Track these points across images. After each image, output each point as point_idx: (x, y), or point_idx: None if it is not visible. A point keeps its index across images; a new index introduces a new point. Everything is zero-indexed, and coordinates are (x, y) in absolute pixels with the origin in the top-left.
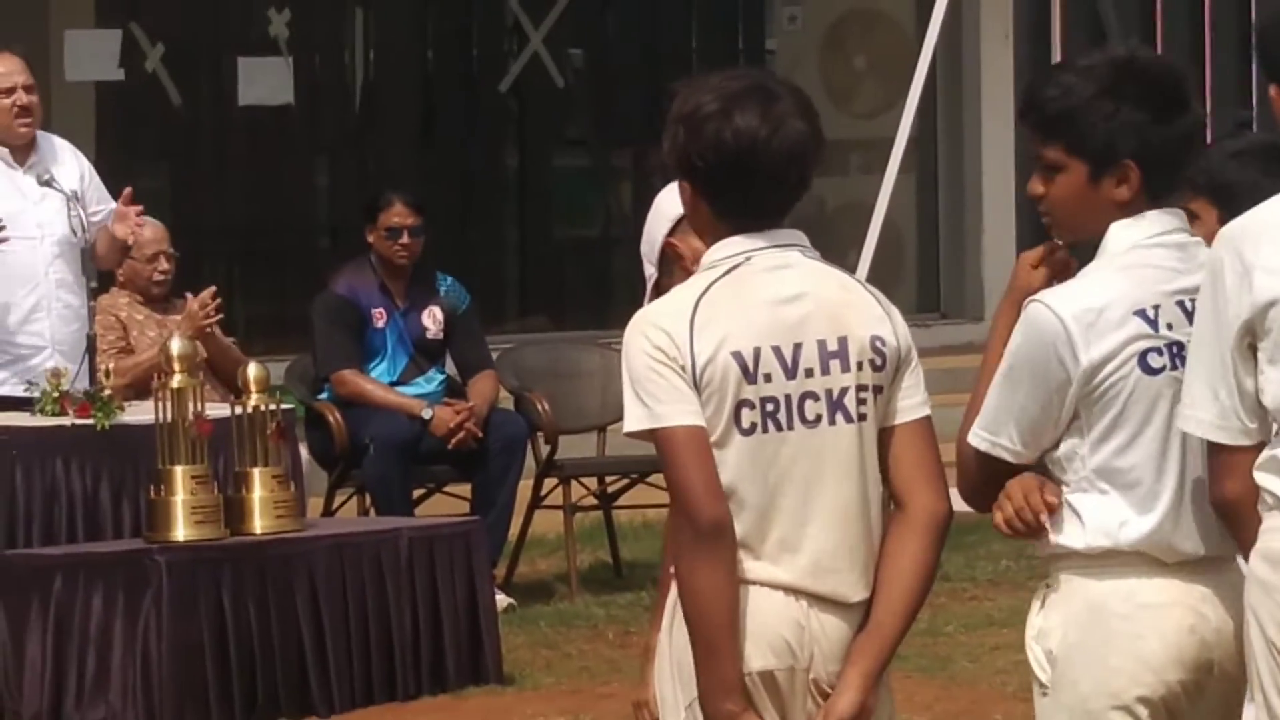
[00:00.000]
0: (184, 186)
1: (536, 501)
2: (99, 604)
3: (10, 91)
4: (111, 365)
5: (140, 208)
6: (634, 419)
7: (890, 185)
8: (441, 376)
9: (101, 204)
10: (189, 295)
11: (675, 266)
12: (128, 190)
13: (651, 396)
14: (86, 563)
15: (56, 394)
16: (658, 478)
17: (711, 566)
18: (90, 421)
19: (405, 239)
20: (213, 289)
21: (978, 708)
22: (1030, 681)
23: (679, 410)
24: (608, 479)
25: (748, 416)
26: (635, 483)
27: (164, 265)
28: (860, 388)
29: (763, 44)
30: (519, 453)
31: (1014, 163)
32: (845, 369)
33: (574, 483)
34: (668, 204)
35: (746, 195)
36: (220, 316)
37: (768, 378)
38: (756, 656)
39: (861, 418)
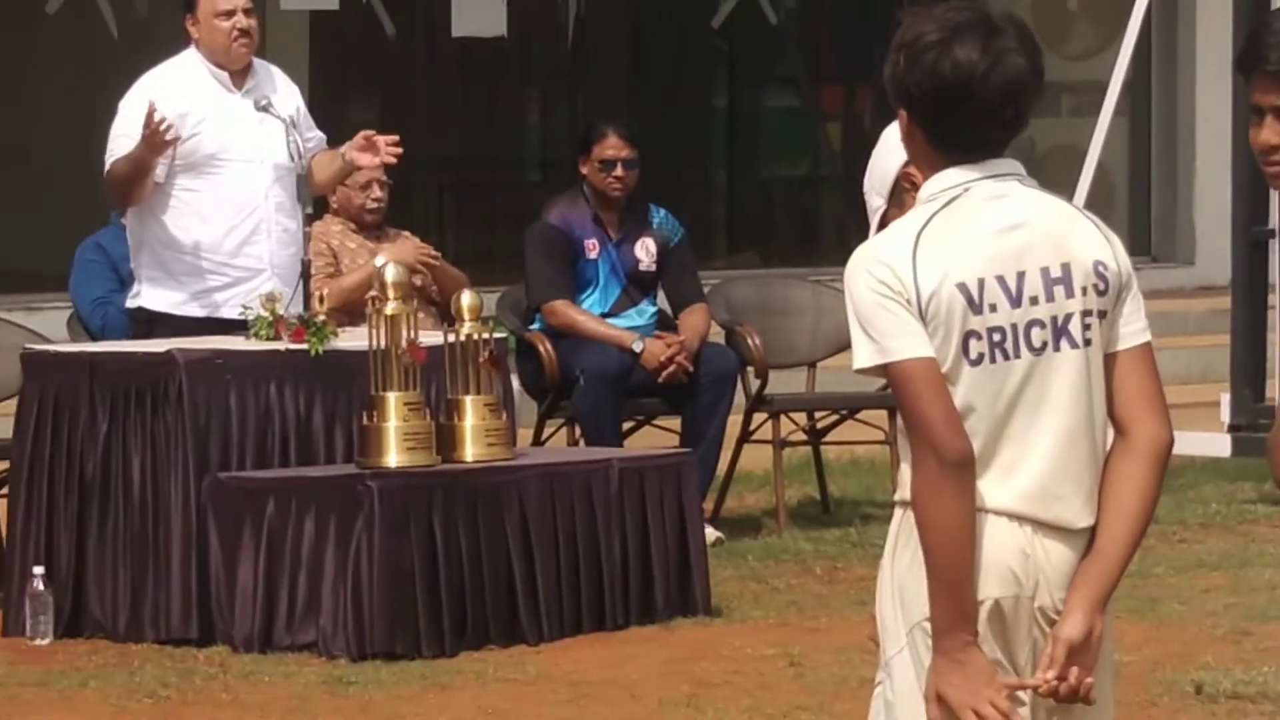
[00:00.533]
0: (396, 117)
1: (746, 436)
2: (311, 528)
3: (230, 14)
4: (325, 290)
5: (395, 137)
6: (863, 355)
7: (1104, 129)
8: (653, 309)
9: (311, 132)
10: (406, 233)
11: (906, 197)
12: (372, 132)
13: (880, 331)
14: (299, 487)
15: (271, 318)
16: (867, 414)
17: (956, 498)
18: (304, 346)
19: (619, 171)
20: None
21: (1187, 650)
22: (1240, 624)
23: (909, 343)
24: (817, 415)
25: (975, 347)
26: (844, 419)
27: (377, 193)
28: (1085, 313)
29: None
30: (729, 387)
31: (1230, 107)
32: (1069, 295)
33: (783, 418)
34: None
35: (962, 127)
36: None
37: (993, 307)
38: (984, 585)
39: (1087, 343)
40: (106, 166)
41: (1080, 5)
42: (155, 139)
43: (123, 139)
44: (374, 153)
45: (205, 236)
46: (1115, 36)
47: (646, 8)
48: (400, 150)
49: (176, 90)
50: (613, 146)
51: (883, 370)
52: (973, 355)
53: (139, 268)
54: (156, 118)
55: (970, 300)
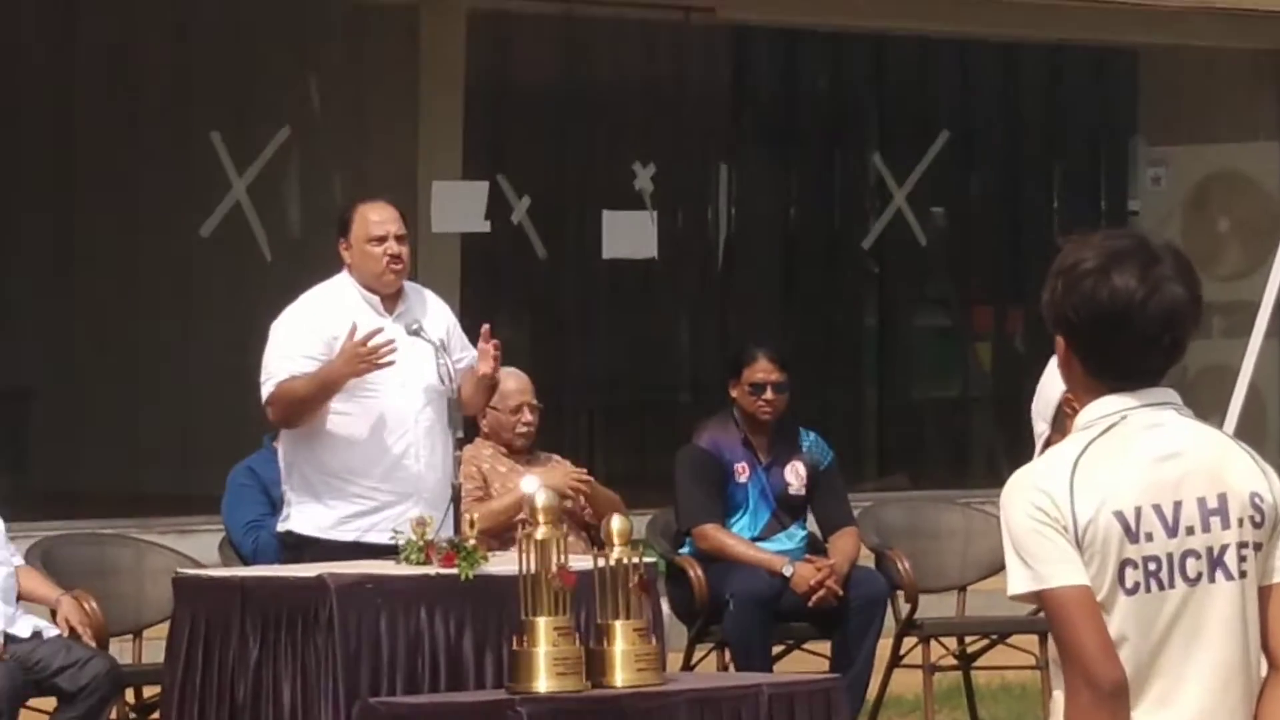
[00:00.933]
0: (546, 338)
1: (896, 660)
2: None
3: (382, 240)
4: (474, 516)
5: (497, 342)
6: (1019, 581)
7: (1256, 350)
8: (803, 533)
9: (464, 351)
10: (556, 457)
11: (1067, 423)
12: (486, 327)
13: (1035, 558)
14: (449, 712)
15: (422, 543)
16: (1018, 639)
17: None
18: (454, 571)
19: (769, 394)
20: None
21: None
22: None
23: (1064, 570)
24: (967, 639)
25: (1131, 576)
26: (995, 643)
27: (527, 416)
28: (1241, 545)
29: (1125, 204)
30: (879, 611)
31: None
32: (1225, 526)
33: (933, 642)
34: None
35: (1120, 355)
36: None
37: (1149, 536)
38: None
39: (1242, 575)
40: (266, 390)
41: (1231, 225)
42: (363, 359)
43: (281, 361)
44: (486, 360)
45: (355, 461)
46: (1266, 257)
47: (796, 228)
48: (497, 345)
49: (329, 314)
50: (763, 370)
51: (1037, 597)
52: (1128, 584)
53: (289, 490)
54: (377, 339)
55: (1127, 529)
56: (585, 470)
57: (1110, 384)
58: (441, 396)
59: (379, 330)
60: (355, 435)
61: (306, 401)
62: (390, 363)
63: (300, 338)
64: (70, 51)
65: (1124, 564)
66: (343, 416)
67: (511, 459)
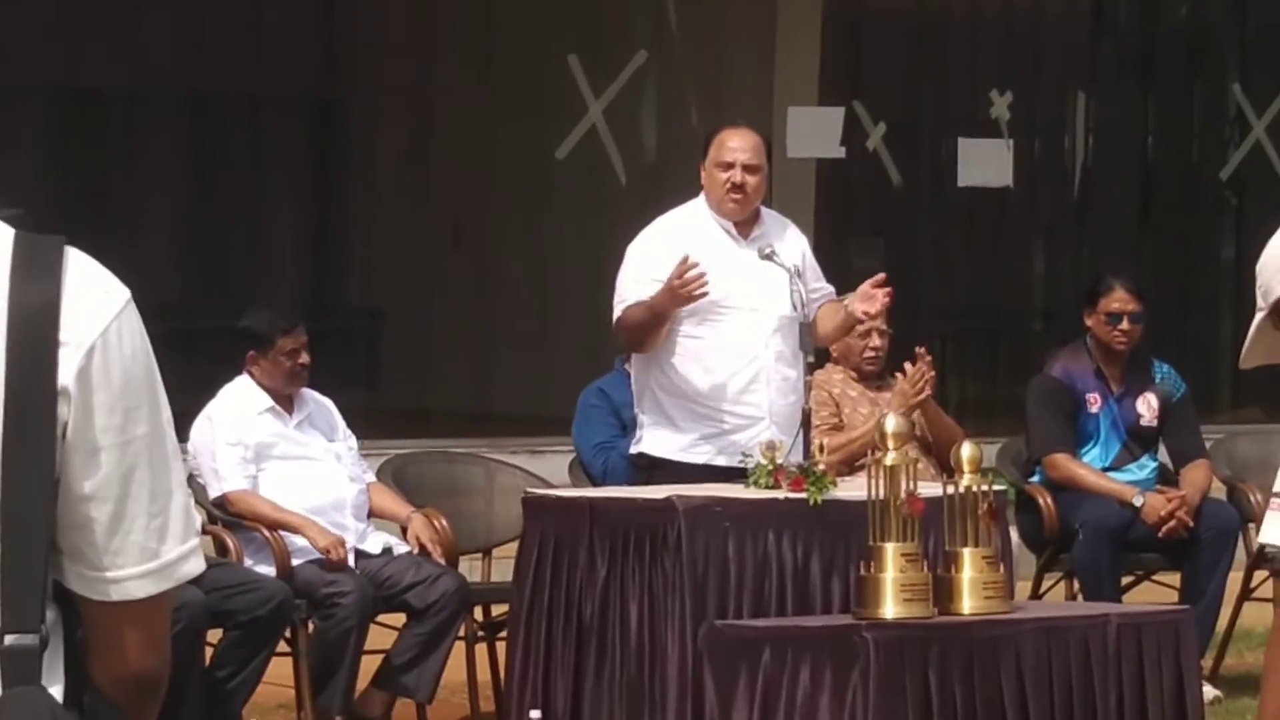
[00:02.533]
0: (900, 265)
1: (1246, 593)
2: (806, 678)
3: (729, 166)
4: (825, 441)
5: (890, 290)
6: None
7: None
8: (1154, 464)
9: (817, 282)
10: (900, 373)
11: None
12: (881, 275)
13: None
14: (795, 637)
15: (771, 467)
16: None
17: None
18: (803, 496)
19: (1125, 324)
20: (928, 358)
21: None
22: None
23: None
24: None
25: None
26: None
27: (875, 341)
28: None
29: None
30: (1230, 544)
31: None
32: None
33: None
34: None
35: None
36: (930, 392)
37: None
38: None
39: None
40: (616, 313)
41: None
42: (683, 290)
43: (633, 285)
44: (873, 303)
45: (706, 384)
46: None
47: (1154, 158)
48: (889, 295)
49: (683, 238)
50: (1119, 300)
51: None
52: None
53: (641, 413)
54: (691, 273)
55: None
56: (929, 359)
57: None
58: (793, 322)
59: (694, 264)
60: (706, 359)
61: (644, 329)
62: (705, 293)
63: (652, 261)
64: None
65: None
66: (694, 340)
67: (862, 384)
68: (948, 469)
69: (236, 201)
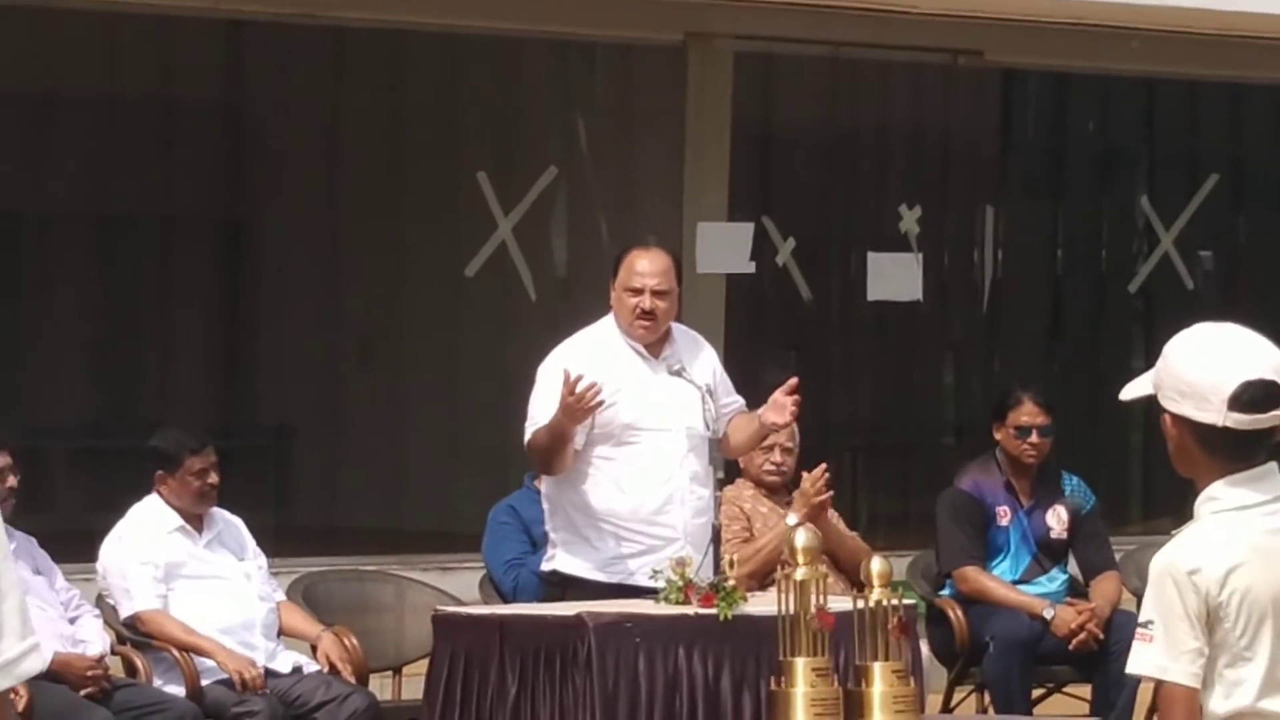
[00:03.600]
0: (811, 379)
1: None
2: None
3: (638, 292)
4: (734, 556)
5: (798, 399)
6: None
7: None
8: (1064, 576)
9: (728, 396)
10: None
11: None
12: (793, 380)
13: None
14: None
15: (681, 583)
16: None
17: None
18: (714, 611)
19: (1034, 438)
20: (823, 465)
21: None
22: None
23: None
24: None
25: None
26: None
27: (776, 457)
28: None
29: None
30: None
31: None
32: None
33: None
34: None
35: None
36: (831, 494)
37: None
38: None
39: None
40: (528, 435)
41: None
42: (574, 406)
43: (543, 405)
44: (783, 413)
45: (620, 505)
46: None
47: (1063, 271)
48: (797, 403)
49: (593, 358)
50: (1028, 413)
51: None
52: None
53: (554, 531)
54: (580, 386)
55: None
56: (824, 466)
57: None
58: (705, 440)
59: (580, 377)
60: (622, 480)
61: (550, 450)
62: (600, 403)
63: (550, 385)
64: (339, 92)
65: None
66: (608, 462)
67: (771, 499)
68: (854, 584)
69: (145, 322)
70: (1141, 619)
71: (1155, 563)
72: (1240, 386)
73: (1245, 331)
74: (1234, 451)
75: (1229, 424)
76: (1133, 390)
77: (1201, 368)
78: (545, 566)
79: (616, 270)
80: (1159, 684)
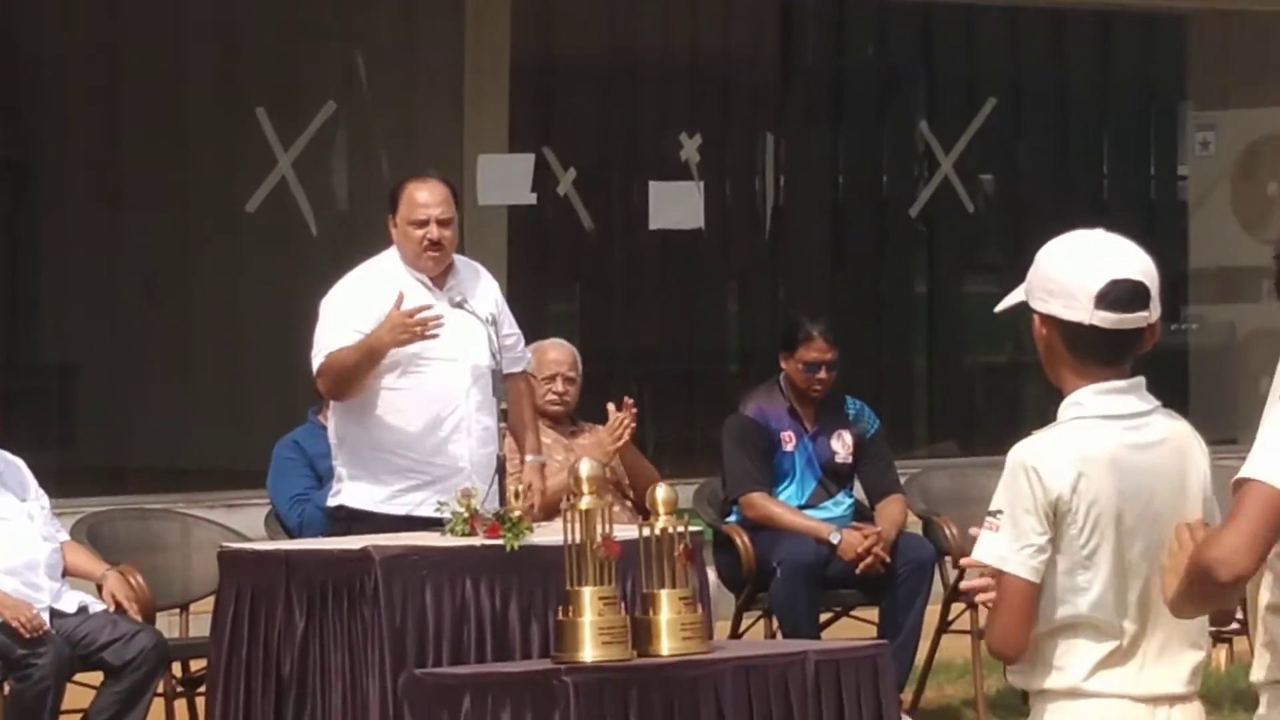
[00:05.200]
0: (594, 310)
1: (944, 626)
2: None
3: (423, 224)
4: (520, 487)
5: (635, 413)
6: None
7: None
8: (850, 500)
9: (510, 329)
10: (596, 425)
11: None
12: (628, 400)
13: None
14: (495, 683)
15: (467, 514)
16: None
17: None
18: (500, 542)
19: (822, 374)
20: (632, 409)
21: None
22: None
23: None
24: None
25: None
26: None
27: (559, 387)
28: None
29: (1175, 169)
30: (927, 577)
31: None
32: None
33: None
34: None
35: None
36: (629, 438)
37: None
38: None
39: None
40: (318, 362)
41: None
42: (409, 326)
43: (331, 335)
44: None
45: (406, 435)
46: None
47: (844, 197)
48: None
49: (378, 289)
50: (817, 349)
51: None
52: None
53: (340, 465)
54: (421, 315)
55: None
56: (630, 402)
57: None
58: (490, 371)
59: (428, 306)
60: (406, 411)
61: (354, 370)
62: (435, 335)
63: (350, 312)
64: (115, 29)
65: None
66: (393, 392)
67: (555, 430)
68: (645, 513)
69: None
70: (991, 508)
71: (1011, 455)
72: (1108, 284)
73: (1115, 236)
74: (1101, 353)
75: (1096, 322)
76: (1007, 300)
77: (1070, 267)
78: (331, 501)
79: (395, 204)
80: (999, 574)
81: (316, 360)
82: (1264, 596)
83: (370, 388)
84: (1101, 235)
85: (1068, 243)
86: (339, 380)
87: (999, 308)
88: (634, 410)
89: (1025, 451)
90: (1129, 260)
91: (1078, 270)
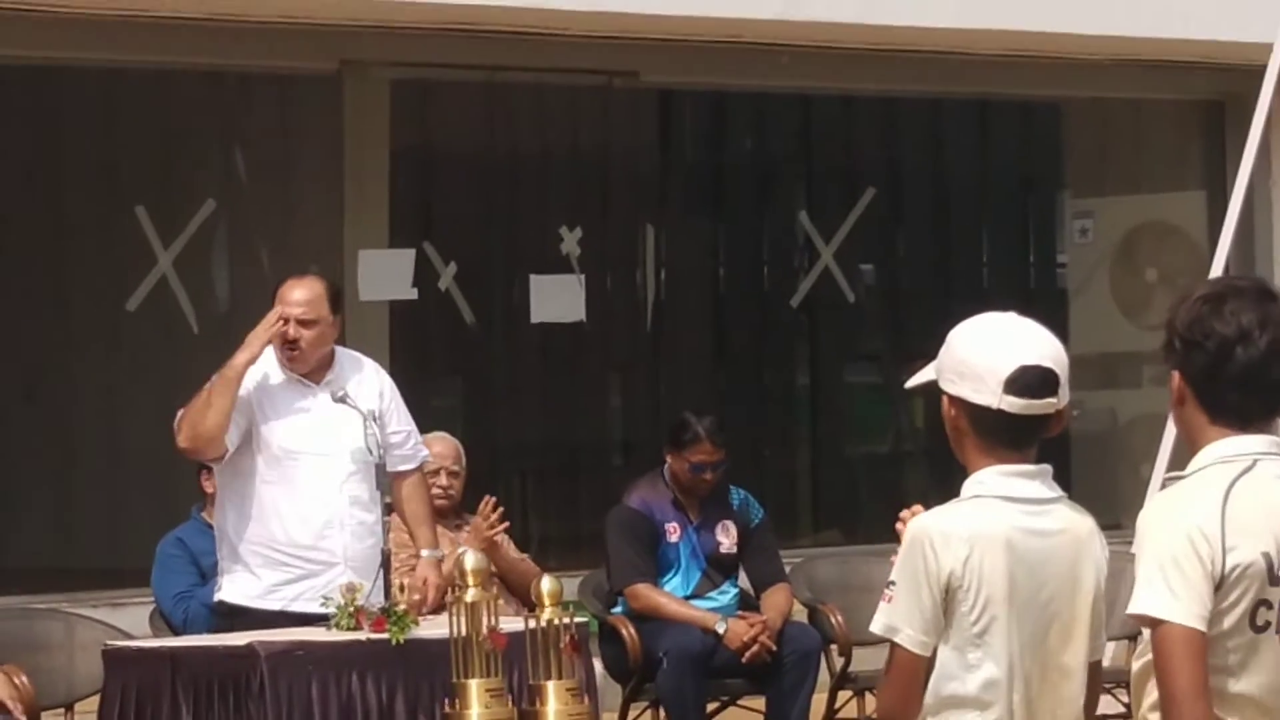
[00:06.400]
0: (477, 403)
1: (831, 715)
2: None
3: (285, 321)
4: (405, 581)
5: (506, 525)
6: (1146, 603)
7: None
8: (735, 590)
9: (402, 425)
10: (477, 518)
11: None
12: (491, 499)
13: (1171, 588)
14: None
15: (352, 609)
16: None
17: None
18: (385, 636)
19: (708, 475)
20: (492, 500)
21: None
22: None
23: (1192, 611)
24: None
25: (1263, 615)
26: None
27: (443, 481)
28: None
29: (1054, 256)
30: (813, 666)
31: None
32: None
33: (868, 695)
34: None
35: (1238, 393)
36: (505, 525)
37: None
38: None
39: None
40: (177, 419)
41: (1159, 276)
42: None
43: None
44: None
45: (279, 530)
46: None
47: (725, 288)
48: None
49: (253, 381)
50: (705, 452)
51: (1153, 624)
52: (1259, 623)
53: (221, 560)
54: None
55: (1270, 568)
56: (493, 500)
57: (1229, 423)
58: (369, 465)
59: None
60: (279, 503)
61: (206, 400)
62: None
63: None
64: None
65: (1259, 604)
66: (268, 486)
67: (441, 524)
68: (528, 606)
69: None
70: (889, 579)
71: (910, 526)
72: (1017, 370)
73: (1027, 321)
74: (1007, 437)
75: (1004, 407)
76: (917, 378)
77: (980, 351)
78: (215, 596)
79: (273, 300)
80: (891, 645)
81: (176, 422)
82: (1148, 697)
83: (246, 483)
84: (1013, 319)
85: (979, 325)
86: (192, 417)
87: (909, 384)
88: (499, 510)
89: (922, 523)
90: (1039, 346)
91: (987, 354)
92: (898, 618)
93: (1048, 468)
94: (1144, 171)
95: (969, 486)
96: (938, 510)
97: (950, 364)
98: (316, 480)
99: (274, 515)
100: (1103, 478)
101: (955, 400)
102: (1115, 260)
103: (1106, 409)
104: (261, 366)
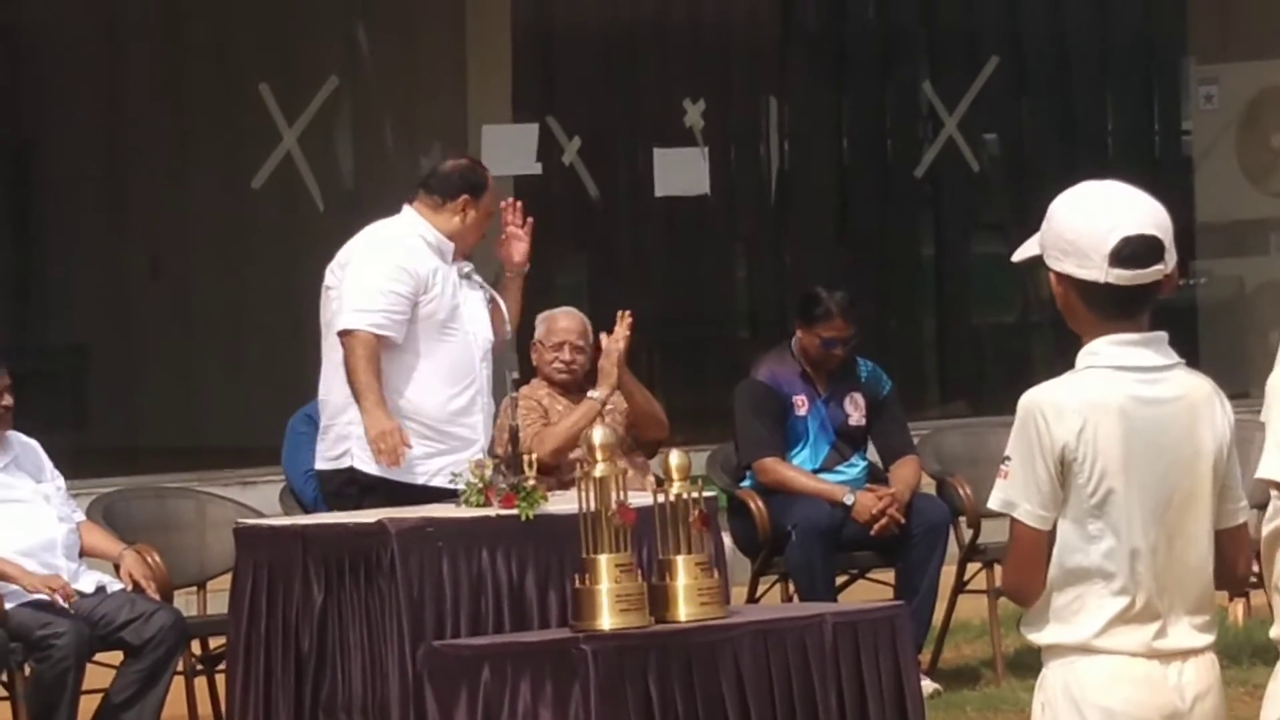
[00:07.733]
0: (602, 278)
1: (960, 586)
2: (526, 693)
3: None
4: (537, 437)
5: (531, 222)
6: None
7: None
8: (863, 463)
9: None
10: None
11: None
12: (515, 203)
13: None
14: (513, 653)
15: (481, 485)
16: None
17: None
18: (515, 512)
19: (839, 350)
20: (628, 320)
21: None
22: None
23: None
24: None
25: None
26: None
27: (567, 355)
28: None
29: (1179, 124)
30: (942, 538)
31: None
32: None
33: (997, 567)
34: None
35: None
36: (627, 338)
37: None
38: None
39: None
40: (357, 322)
41: None
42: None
43: (385, 289)
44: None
45: (430, 404)
46: None
47: (849, 159)
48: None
49: (410, 249)
50: (836, 328)
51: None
52: None
53: (354, 425)
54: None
55: None
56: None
57: None
58: (491, 349)
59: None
60: (429, 380)
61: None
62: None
63: (399, 268)
64: (116, 10)
65: None
66: (419, 359)
67: (566, 398)
68: (647, 445)
69: None
70: (1005, 454)
71: (1022, 400)
72: (1120, 242)
73: (1127, 188)
74: (1117, 308)
75: (1111, 280)
76: (1022, 252)
77: (1082, 225)
78: (338, 464)
79: (478, 190)
80: (1011, 520)
81: (355, 319)
82: (1279, 563)
83: (397, 356)
84: (1113, 188)
85: (1080, 198)
86: (350, 369)
87: (1015, 257)
88: (630, 323)
89: (1034, 397)
90: (1141, 214)
91: (1091, 229)
92: (1015, 492)
93: (1163, 335)
94: (1269, 36)
95: (1082, 358)
96: (1050, 382)
97: (1053, 240)
98: (465, 357)
99: (424, 390)
100: (1231, 345)
101: (1062, 276)
102: (1241, 126)
103: (1234, 277)
104: (415, 235)
